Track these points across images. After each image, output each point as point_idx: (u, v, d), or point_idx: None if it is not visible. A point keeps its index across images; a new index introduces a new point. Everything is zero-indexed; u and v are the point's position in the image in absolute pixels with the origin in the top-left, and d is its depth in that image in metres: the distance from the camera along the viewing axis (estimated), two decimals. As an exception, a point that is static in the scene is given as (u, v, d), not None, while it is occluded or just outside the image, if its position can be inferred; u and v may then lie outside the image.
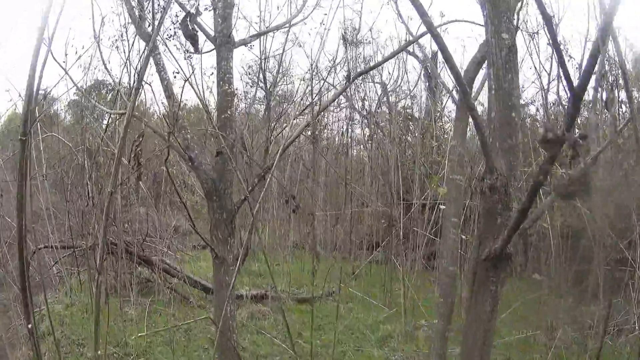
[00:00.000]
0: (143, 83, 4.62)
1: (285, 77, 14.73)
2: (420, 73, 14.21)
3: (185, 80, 4.03)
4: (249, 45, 6.04)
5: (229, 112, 5.23)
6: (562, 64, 2.36)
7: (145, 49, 4.79)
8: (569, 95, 2.37)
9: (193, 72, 5.35)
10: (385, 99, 12.56)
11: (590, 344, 6.46)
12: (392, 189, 9.01)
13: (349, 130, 12.13)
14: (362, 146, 13.15)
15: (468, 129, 5.27)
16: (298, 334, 7.73)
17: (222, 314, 4.76)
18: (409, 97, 14.36)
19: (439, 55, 15.45)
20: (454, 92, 5.61)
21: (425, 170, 10.17)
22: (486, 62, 3.74)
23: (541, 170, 2.79)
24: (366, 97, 10.41)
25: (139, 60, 7.69)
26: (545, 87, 10.75)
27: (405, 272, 8.45)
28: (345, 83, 4.75)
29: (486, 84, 6.04)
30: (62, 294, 8.95)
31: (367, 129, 11.34)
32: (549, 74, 10.89)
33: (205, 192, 5.03)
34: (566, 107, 2.40)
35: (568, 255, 7.42)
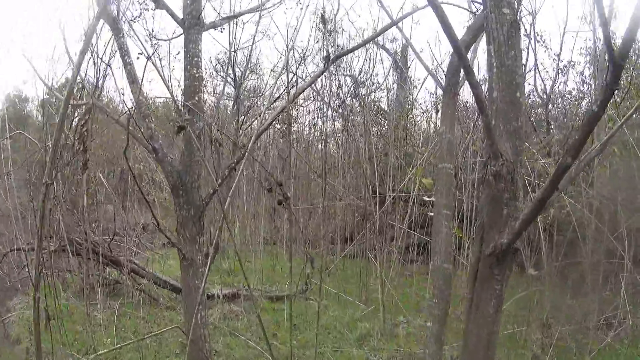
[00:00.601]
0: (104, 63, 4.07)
1: (254, 72, 14.23)
2: (391, 65, 13.86)
3: (148, 59, 3.50)
4: (219, 28, 5.50)
5: (196, 98, 4.71)
6: (605, 29, 1.92)
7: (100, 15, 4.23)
8: (608, 65, 1.95)
9: (156, 50, 4.78)
10: (355, 91, 12.11)
11: (583, 339, 6.15)
12: (365, 182, 8.56)
13: (325, 121, 11.64)
14: (333, 139, 12.68)
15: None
16: (272, 335, 7.25)
17: (193, 321, 4.24)
18: (379, 89, 14.02)
19: (409, 49, 15.26)
20: (439, 77, 5.18)
21: (398, 161, 9.75)
22: (485, 39, 3.31)
23: (569, 153, 2.37)
24: (340, 89, 9.85)
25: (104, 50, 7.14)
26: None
27: (381, 266, 8.01)
28: (324, 65, 4.26)
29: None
30: (31, 299, 8.31)
31: (337, 122, 10.85)
32: (525, 65, 10.62)
33: (170, 186, 4.50)
34: (605, 78, 1.94)
35: (557, 248, 7.09)
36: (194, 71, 4.85)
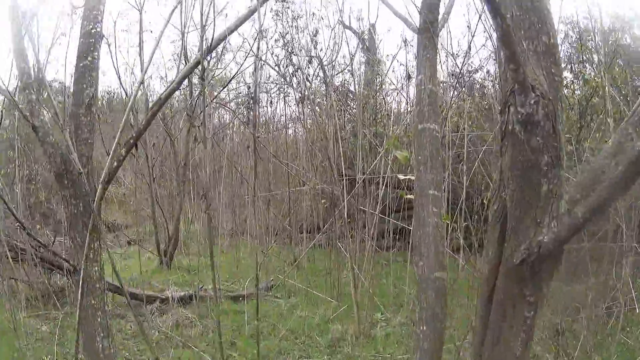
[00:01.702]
0: None
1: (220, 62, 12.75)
2: (358, 45, 12.51)
3: None
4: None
5: (89, 58, 3.29)
6: None
7: None
8: None
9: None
10: (321, 73, 10.67)
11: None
12: (331, 164, 7.15)
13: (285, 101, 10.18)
14: (297, 124, 11.24)
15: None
16: (231, 344, 5.88)
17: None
18: (346, 70, 12.68)
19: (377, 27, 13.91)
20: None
21: (367, 140, 8.37)
22: None
23: None
24: (293, 54, 8.17)
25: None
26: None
27: (353, 257, 6.65)
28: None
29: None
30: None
31: (300, 103, 9.33)
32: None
33: (54, 173, 3.10)
34: None
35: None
36: (90, 27, 3.45)
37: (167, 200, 10.23)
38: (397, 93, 9.14)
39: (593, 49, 9.35)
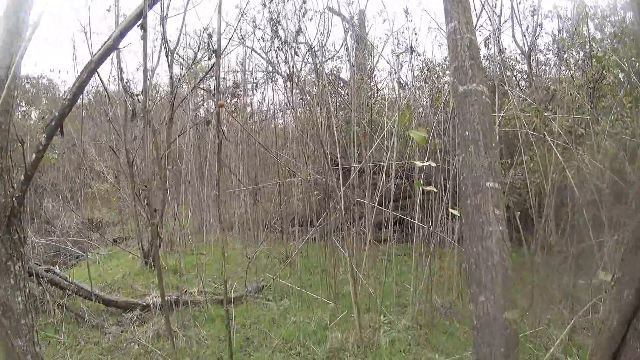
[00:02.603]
0: None
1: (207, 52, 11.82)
2: (347, 31, 11.69)
3: None
4: None
5: (13, 20, 2.41)
6: None
7: None
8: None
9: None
10: (310, 59, 9.78)
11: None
12: (325, 152, 6.29)
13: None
14: (287, 112, 10.36)
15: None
16: (217, 359, 5.05)
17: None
18: (336, 57, 11.87)
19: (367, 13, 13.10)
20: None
21: (361, 128, 7.51)
22: None
23: None
24: (279, 24, 7.20)
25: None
26: (497, 28, 8.31)
27: (351, 256, 5.79)
28: None
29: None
30: None
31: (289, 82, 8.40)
32: (500, 16, 8.71)
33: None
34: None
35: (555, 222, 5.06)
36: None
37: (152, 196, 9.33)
38: (395, 72, 8.23)
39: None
